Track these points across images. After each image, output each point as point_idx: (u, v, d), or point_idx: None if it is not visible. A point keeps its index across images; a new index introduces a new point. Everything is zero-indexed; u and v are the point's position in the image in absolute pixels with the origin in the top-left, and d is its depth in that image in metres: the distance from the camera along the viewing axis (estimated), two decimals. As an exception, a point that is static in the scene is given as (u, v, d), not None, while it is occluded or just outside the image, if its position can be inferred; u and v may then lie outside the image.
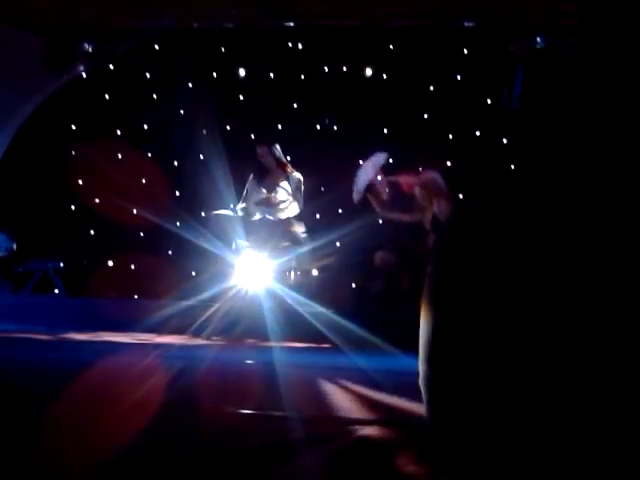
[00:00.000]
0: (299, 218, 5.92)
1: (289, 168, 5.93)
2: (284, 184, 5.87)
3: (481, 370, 1.03)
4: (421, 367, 1.17)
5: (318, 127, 7.24)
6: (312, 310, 5.19)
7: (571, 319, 0.96)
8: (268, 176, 5.91)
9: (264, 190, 5.87)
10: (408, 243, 5.56)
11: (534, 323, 0.99)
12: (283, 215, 5.81)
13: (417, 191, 5.45)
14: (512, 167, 6.51)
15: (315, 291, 5.88)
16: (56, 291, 6.60)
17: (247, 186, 5.95)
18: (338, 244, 6.11)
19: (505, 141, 6.79)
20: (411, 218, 5.58)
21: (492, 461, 1.01)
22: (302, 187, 5.88)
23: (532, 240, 1.02)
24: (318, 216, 6.75)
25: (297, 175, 5.88)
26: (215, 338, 5.07)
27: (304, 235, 5.85)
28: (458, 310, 1.07)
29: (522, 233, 1.05)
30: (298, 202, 5.83)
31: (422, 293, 1.20)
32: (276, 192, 5.83)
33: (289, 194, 5.83)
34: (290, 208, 5.82)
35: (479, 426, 1.02)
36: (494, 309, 1.02)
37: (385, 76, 7.20)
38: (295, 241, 5.78)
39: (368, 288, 5.66)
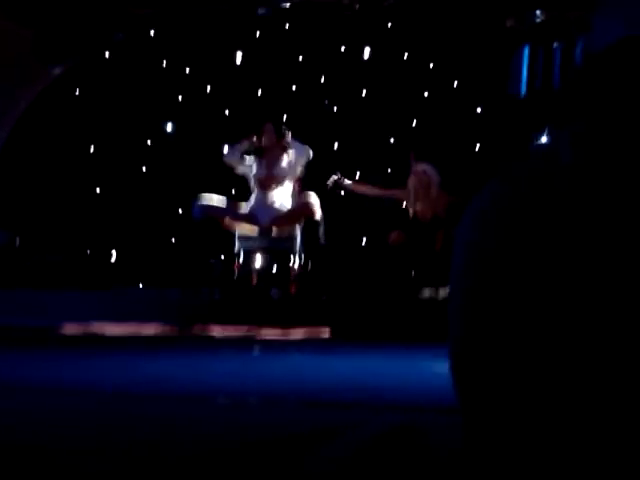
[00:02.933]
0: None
1: (288, 140, 5.82)
2: (284, 158, 5.79)
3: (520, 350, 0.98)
4: (451, 349, 1.13)
5: (319, 109, 7.18)
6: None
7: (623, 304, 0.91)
8: (267, 154, 5.81)
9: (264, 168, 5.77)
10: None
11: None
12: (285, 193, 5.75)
13: (411, 181, 5.50)
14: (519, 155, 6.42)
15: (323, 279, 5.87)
16: (61, 284, 6.56)
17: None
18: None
19: (512, 129, 6.69)
20: (382, 192, 5.66)
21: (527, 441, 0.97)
22: (310, 156, 5.79)
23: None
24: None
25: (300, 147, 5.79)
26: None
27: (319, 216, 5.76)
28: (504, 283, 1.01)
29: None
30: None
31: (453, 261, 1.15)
32: (278, 168, 5.74)
33: (289, 166, 5.75)
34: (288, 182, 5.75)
35: (516, 407, 0.98)
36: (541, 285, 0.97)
37: (383, 56, 7.13)
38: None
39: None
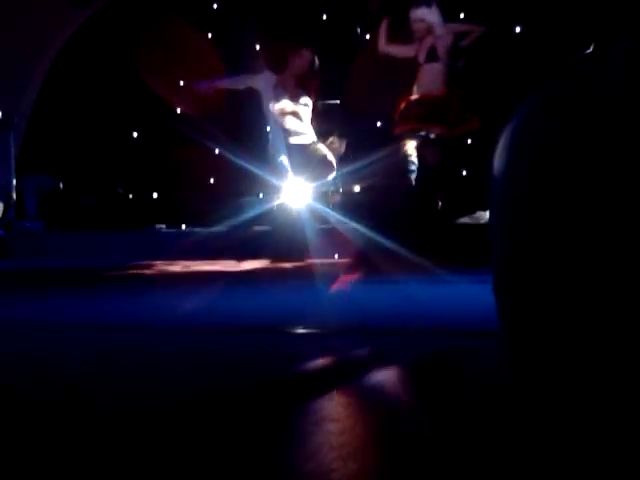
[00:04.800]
0: (339, 136, 5.77)
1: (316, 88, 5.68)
2: (306, 100, 5.60)
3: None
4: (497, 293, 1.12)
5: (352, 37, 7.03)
6: (355, 229, 5.17)
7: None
8: (289, 86, 5.56)
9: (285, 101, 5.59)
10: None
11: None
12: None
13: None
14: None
15: (360, 212, 5.84)
16: (105, 226, 6.71)
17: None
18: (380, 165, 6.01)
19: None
20: (408, 51, 5.41)
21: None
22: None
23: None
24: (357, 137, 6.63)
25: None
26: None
27: (340, 153, 5.71)
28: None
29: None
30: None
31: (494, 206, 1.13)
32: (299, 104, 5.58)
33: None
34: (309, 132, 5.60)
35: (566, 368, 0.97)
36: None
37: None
38: (329, 166, 5.64)
39: None
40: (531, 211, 1.01)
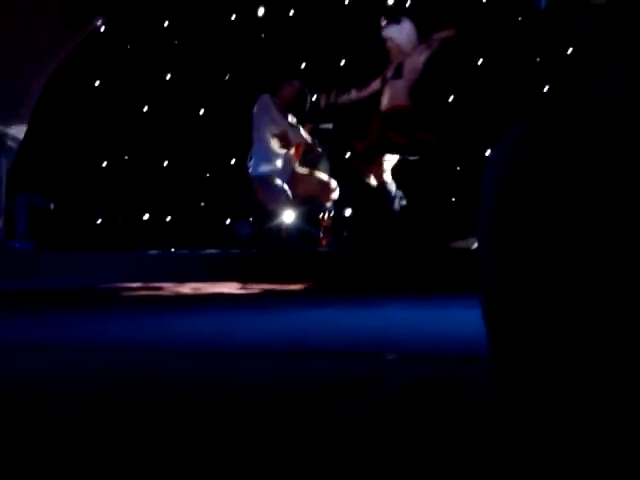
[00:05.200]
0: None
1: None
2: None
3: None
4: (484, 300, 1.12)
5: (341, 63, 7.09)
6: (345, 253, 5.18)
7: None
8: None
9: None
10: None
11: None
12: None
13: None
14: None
15: (351, 235, 5.90)
16: (95, 247, 6.68)
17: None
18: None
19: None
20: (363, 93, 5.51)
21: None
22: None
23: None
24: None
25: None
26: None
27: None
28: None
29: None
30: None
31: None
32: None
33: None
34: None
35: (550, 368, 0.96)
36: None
37: None
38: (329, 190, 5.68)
39: None
40: (519, 235, 1.01)
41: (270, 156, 5.64)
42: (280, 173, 5.65)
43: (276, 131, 5.62)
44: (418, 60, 5.34)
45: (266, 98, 5.67)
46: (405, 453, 1.12)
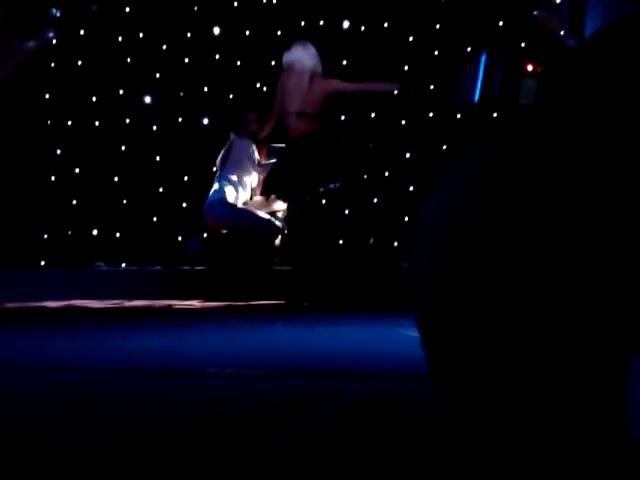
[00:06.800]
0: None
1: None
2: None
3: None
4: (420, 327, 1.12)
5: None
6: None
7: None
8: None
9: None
10: None
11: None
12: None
13: None
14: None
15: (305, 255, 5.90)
16: (42, 263, 6.53)
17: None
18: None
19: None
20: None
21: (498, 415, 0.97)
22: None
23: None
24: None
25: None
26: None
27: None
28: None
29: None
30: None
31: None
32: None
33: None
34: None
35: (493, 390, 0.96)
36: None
37: (362, 28, 7.10)
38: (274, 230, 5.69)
39: None
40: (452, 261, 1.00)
41: (236, 194, 5.63)
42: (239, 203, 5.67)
43: (256, 181, 5.68)
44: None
45: (247, 143, 5.69)
46: (351, 469, 1.11)
